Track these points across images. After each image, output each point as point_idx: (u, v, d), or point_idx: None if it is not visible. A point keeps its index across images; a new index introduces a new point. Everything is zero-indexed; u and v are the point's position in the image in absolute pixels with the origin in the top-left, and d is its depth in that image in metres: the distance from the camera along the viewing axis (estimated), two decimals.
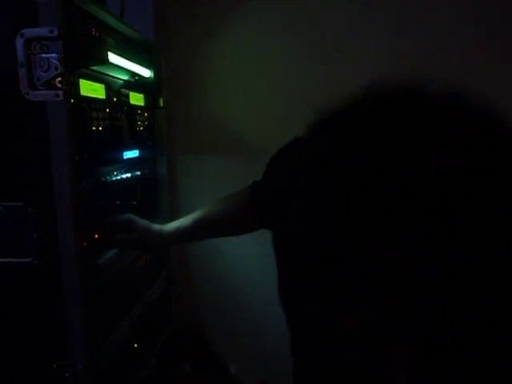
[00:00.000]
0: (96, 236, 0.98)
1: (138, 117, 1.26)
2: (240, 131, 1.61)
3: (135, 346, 1.17)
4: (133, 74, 1.20)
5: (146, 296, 1.27)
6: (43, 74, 0.77)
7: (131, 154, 1.17)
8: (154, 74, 1.36)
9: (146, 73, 1.29)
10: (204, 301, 1.72)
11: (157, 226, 1.04)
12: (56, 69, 0.76)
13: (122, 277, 1.11)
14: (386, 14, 1.42)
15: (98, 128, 0.97)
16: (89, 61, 0.89)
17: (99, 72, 1.01)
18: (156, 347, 1.35)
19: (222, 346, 1.70)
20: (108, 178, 1.03)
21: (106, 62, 0.90)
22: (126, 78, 1.17)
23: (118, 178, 1.08)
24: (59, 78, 0.77)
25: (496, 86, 1.47)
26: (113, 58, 0.99)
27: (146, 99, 1.34)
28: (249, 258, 1.09)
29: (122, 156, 1.12)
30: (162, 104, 1.42)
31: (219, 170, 1.66)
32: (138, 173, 1.22)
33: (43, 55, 0.77)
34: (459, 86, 0.42)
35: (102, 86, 1.02)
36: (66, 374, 0.85)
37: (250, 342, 1.61)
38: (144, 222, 1.03)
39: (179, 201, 1.67)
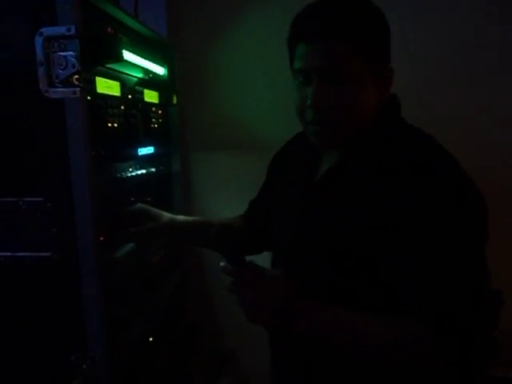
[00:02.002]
0: (113, 231, 1.00)
1: (152, 114, 1.28)
2: (252, 128, 1.62)
3: (150, 339, 1.18)
4: (147, 71, 1.22)
5: (161, 290, 1.29)
6: (61, 71, 0.79)
7: (146, 150, 1.19)
8: (168, 71, 1.38)
9: (159, 70, 1.31)
10: (217, 295, 1.73)
11: (168, 215, 1.07)
12: (73, 66, 0.78)
13: (138, 271, 1.13)
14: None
15: (113, 125, 0.99)
16: (104, 58, 0.90)
17: (114, 70, 1.03)
18: (171, 341, 1.37)
19: (236, 339, 1.71)
20: (123, 174, 1.05)
21: (121, 59, 0.91)
22: (140, 75, 1.19)
23: (134, 174, 1.10)
24: (76, 76, 0.79)
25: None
26: (128, 55, 1.01)
27: (160, 96, 1.36)
28: (263, 253, 1.11)
29: (137, 152, 1.13)
30: (175, 101, 1.44)
31: (232, 167, 1.67)
32: (153, 169, 1.24)
33: (61, 53, 0.79)
34: None
35: (118, 83, 1.04)
36: (84, 366, 0.87)
37: (264, 336, 1.62)
38: (156, 210, 1.06)
39: (193, 197, 1.69)
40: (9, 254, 0.86)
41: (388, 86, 0.81)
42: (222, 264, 0.77)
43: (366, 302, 0.75)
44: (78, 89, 0.79)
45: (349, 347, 0.75)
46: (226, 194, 1.67)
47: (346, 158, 0.82)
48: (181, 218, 1.10)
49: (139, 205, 1.06)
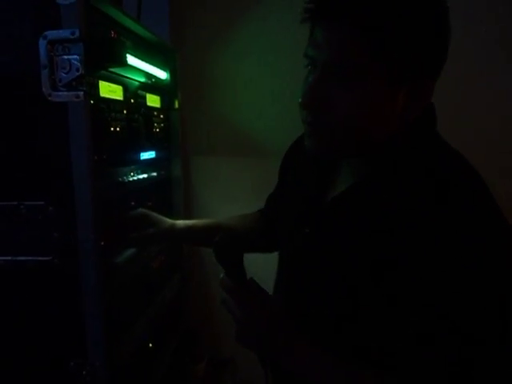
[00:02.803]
0: (114, 235, 0.99)
1: (154, 118, 1.28)
2: (254, 133, 1.62)
3: (150, 345, 1.17)
4: (149, 75, 1.22)
5: (161, 296, 1.28)
6: (65, 75, 0.78)
7: (148, 154, 1.19)
8: (170, 76, 1.38)
9: (162, 75, 1.30)
10: (217, 302, 1.72)
11: (169, 220, 1.06)
12: (77, 70, 0.78)
13: (138, 276, 1.12)
14: None
15: (116, 129, 0.98)
16: (108, 62, 0.90)
17: (117, 74, 1.03)
18: (171, 346, 1.36)
19: (236, 346, 1.70)
20: (125, 178, 1.05)
21: (124, 63, 0.91)
22: (143, 79, 1.18)
23: (135, 178, 1.09)
24: (80, 80, 0.78)
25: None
26: (131, 60, 1.01)
27: (162, 101, 1.35)
28: (263, 259, 1.09)
29: (139, 157, 1.13)
30: (177, 106, 1.44)
31: (233, 172, 1.67)
32: (154, 174, 1.23)
33: (65, 57, 0.78)
34: None
35: (120, 87, 1.03)
36: (84, 372, 0.86)
37: None
38: (157, 215, 1.05)
39: (193, 201, 1.68)
40: (9, 257, 0.86)
41: (416, 107, 0.65)
42: (221, 276, 0.74)
43: (358, 335, 0.67)
44: (82, 92, 0.79)
45: None
46: (226, 198, 1.67)
47: (371, 175, 0.70)
48: (182, 223, 1.09)
49: (140, 210, 1.05)
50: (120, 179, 1.03)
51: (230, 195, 1.67)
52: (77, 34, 0.77)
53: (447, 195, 0.61)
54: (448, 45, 0.64)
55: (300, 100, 0.67)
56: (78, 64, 0.78)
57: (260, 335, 0.70)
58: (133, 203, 1.14)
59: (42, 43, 0.78)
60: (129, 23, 1.06)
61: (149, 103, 1.24)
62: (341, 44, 0.61)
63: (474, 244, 0.58)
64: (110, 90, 0.97)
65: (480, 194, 0.63)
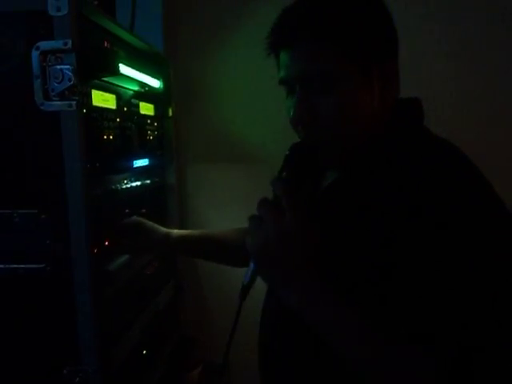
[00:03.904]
0: (106, 243, 1.00)
1: (147, 126, 1.29)
2: (248, 141, 1.63)
3: (144, 352, 1.18)
4: (143, 84, 1.23)
5: (155, 303, 1.29)
6: (57, 85, 0.79)
7: (141, 162, 1.20)
8: (164, 84, 1.39)
9: (155, 83, 1.32)
10: (212, 308, 1.72)
11: (164, 229, 1.06)
12: (69, 80, 0.79)
13: (132, 283, 1.13)
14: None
15: (109, 137, 0.99)
16: (101, 72, 0.91)
17: (110, 83, 1.04)
18: (164, 354, 1.36)
19: (231, 352, 1.70)
20: (118, 186, 1.06)
21: (117, 73, 0.93)
22: (136, 88, 1.20)
23: (128, 186, 1.10)
24: (72, 89, 0.80)
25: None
26: (124, 69, 1.02)
27: (156, 109, 1.37)
28: None
29: (132, 164, 1.14)
30: (170, 114, 1.45)
31: (227, 179, 1.68)
32: (148, 181, 1.24)
33: (57, 67, 0.79)
34: None
35: (113, 96, 1.04)
36: (77, 379, 0.87)
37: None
38: (151, 224, 1.05)
39: (188, 209, 1.69)
40: (2, 265, 0.86)
41: (391, 85, 0.69)
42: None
43: None
44: (74, 102, 0.80)
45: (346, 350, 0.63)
46: (221, 206, 1.67)
47: (350, 172, 0.73)
48: (176, 232, 1.10)
49: (134, 218, 1.06)
50: (113, 187, 1.04)
51: (224, 203, 1.68)
52: (69, 44, 0.78)
53: (433, 172, 0.63)
54: (392, 25, 0.70)
55: (290, 120, 0.71)
56: (71, 74, 0.79)
57: (287, 260, 0.63)
58: (127, 211, 1.15)
59: (35, 54, 0.79)
60: (122, 33, 1.07)
61: (142, 111, 1.25)
62: (307, 58, 0.66)
63: (464, 215, 0.59)
64: (102, 99, 0.98)
65: (465, 169, 0.65)
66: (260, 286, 0.83)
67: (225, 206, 1.65)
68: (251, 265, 0.69)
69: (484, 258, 0.58)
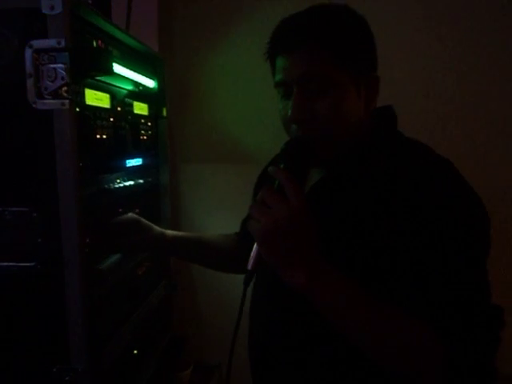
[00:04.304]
0: (98, 242, 1.00)
1: (141, 126, 1.29)
2: (242, 141, 1.63)
3: (135, 351, 1.18)
4: (137, 84, 1.23)
5: (147, 303, 1.29)
6: (50, 83, 0.80)
7: (134, 162, 1.20)
8: (158, 84, 1.39)
9: (150, 83, 1.32)
10: (204, 308, 1.72)
11: (159, 229, 1.07)
12: (62, 79, 0.79)
13: (123, 283, 1.13)
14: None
15: (102, 136, 0.99)
16: (94, 71, 0.91)
17: (104, 82, 1.04)
18: (155, 354, 1.36)
19: (222, 353, 1.70)
20: (111, 185, 1.05)
21: (110, 72, 0.93)
22: (130, 88, 1.20)
23: (121, 185, 1.10)
24: (65, 88, 0.80)
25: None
26: (118, 68, 1.02)
27: (150, 109, 1.37)
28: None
29: (125, 164, 1.14)
30: (165, 114, 1.45)
31: (221, 180, 1.69)
32: (141, 181, 1.24)
33: (50, 66, 0.79)
34: None
35: (107, 95, 1.05)
36: (67, 378, 0.86)
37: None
38: (147, 223, 1.06)
39: (181, 209, 1.69)
40: None
41: (374, 95, 0.79)
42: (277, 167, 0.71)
43: None
44: (67, 101, 0.80)
45: (356, 332, 0.68)
46: (214, 205, 1.68)
47: (335, 169, 0.80)
48: (171, 233, 1.10)
49: (130, 214, 1.06)
50: (106, 186, 1.04)
51: (218, 203, 1.69)
52: (62, 43, 0.79)
53: (412, 166, 0.73)
54: (374, 42, 0.80)
55: (288, 118, 0.76)
56: (64, 73, 0.79)
57: (298, 242, 0.65)
58: (120, 210, 1.15)
59: (28, 52, 0.80)
60: (116, 33, 1.07)
61: (136, 111, 1.25)
62: (318, 63, 0.73)
63: (450, 209, 0.69)
64: (96, 98, 0.98)
65: (446, 168, 0.74)
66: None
67: (218, 205, 1.66)
68: (255, 250, 0.70)
69: (460, 236, 0.68)
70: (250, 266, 0.70)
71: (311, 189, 0.83)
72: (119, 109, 1.12)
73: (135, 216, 1.06)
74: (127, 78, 1.13)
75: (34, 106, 0.80)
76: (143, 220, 1.06)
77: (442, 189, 0.70)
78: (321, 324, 0.70)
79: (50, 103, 0.80)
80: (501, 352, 0.68)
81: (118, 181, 1.09)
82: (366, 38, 0.78)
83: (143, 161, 1.27)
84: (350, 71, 0.74)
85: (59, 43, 0.79)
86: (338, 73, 0.73)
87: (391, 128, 0.83)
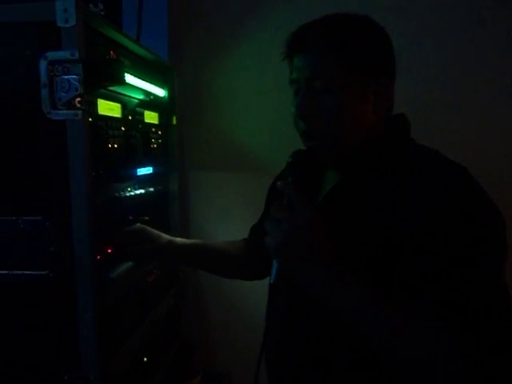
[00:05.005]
0: (109, 250, 1.01)
1: (151, 134, 1.30)
2: (251, 149, 1.64)
3: (145, 359, 1.18)
4: (148, 93, 1.24)
5: (156, 310, 1.29)
6: (64, 94, 0.81)
7: (145, 170, 1.21)
8: (168, 93, 1.41)
9: (160, 92, 1.33)
10: (213, 316, 1.72)
11: (167, 237, 1.08)
12: (76, 90, 0.80)
13: (133, 291, 1.13)
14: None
15: (113, 145, 1.00)
16: (107, 82, 0.92)
17: (116, 92, 1.05)
18: (165, 361, 1.36)
19: (231, 361, 1.70)
20: (122, 193, 1.07)
21: (123, 83, 0.94)
22: (141, 97, 1.21)
23: (132, 193, 1.11)
24: (78, 99, 0.81)
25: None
26: (129, 78, 1.04)
27: (160, 117, 1.38)
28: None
29: (136, 172, 1.15)
30: (175, 122, 1.46)
31: (230, 187, 1.69)
32: (151, 189, 1.25)
33: (64, 77, 0.81)
34: None
35: (119, 105, 1.06)
36: None
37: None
38: (155, 231, 1.07)
39: (191, 216, 1.70)
40: (6, 271, 0.87)
41: (383, 101, 0.80)
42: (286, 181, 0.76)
43: None
44: (80, 111, 0.81)
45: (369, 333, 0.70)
46: (223, 213, 1.68)
47: (349, 175, 0.82)
48: (179, 240, 1.11)
49: (138, 225, 1.07)
50: (117, 194, 1.05)
51: (227, 210, 1.69)
52: (76, 55, 0.80)
53: (425, 173, 0.73)
54: (392, 53, 0.82)
55: (295, 112, 0.81)
56: (77, 84, 0.81)
57: (309, 251, 0.69)
58: (130, 218, 1.16)
59: (43, 63, 0.81)
60: (127, 43, 1.09)
61: (147, 120, 1.26)
62: (316, 62, 0.78)
63: (465, 216, 0.69)
64: (108, 108, 1.00)
65: (454, 168, 0.75)
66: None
67: (227, 212, 1.66)
68: (274, 264, 0.74)
69: (474, 246, 0.67)
70: (272, 280, 0.74)
71: (327, 194, 0.84)
72: (130, 118, 1.14)
73: (142, 226, 1.07)
74: (138, 88, 1.15)
75: (48, 116, 0.82)
76: (150, 229, 1.07)
77: (457, 195, 0.70)
78: (339, 328, 0.73)
79: (63, 113, 0.82)
80: None
81: (129, 189, 1.10)
82: (377, 44, 0.80)
83: (153, 169, 1.28)
84: (356, 74, 0.77)
85: (73, 55, 0.80)
86: (343, 74, 0.77)
87: (404, 135, 0.84)
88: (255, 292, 1.66)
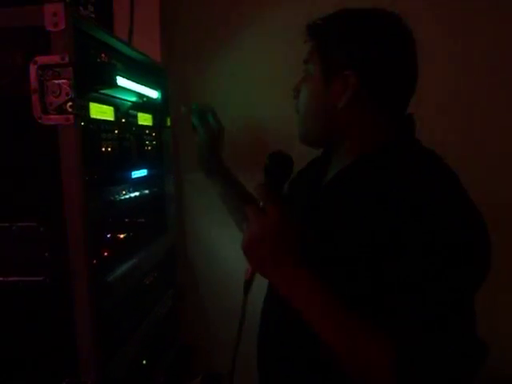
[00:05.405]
0: (106, 254, 1.01)
1: (146, 136, 1.30)
2: (247, 150, 1.63)
3: (144, 362, 1.18)
4: (141, 95, 1.24)
5: (154, 313, 1.29)
6: (55, 99, 0.80)
7: (139, 173, 1.20)
8: (162, 94, 1.40)
9: (153, 94, 1.33)
10: (212, 318, 1.72)
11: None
12: (67, 94, 0.80)
13: (131, 294, 1.13)
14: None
15: (107, 149, 1.00)
16: (98, 85, 0.92)
17: (108, 95, 1.05)
18: (165, 363, 1.36)
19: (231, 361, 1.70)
20: (117, 197, 1.06)
21: (115, 86, 0.93)
22: (134, 99, 1.20)
23: (127, 196, 1.11)
24: (70, 103, 0.80)
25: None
26: (121, 81, 1.03)
27: (154, 119, 1.37)
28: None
29: (131, 175, 1.15)
30: (169, 123, 1.46)
31: None
32: (147, 191, 1.25)
33: (55, 81, 0.80)
34: None
35: (111, 108, 1.05)
36: None
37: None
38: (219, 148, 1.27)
39: (187, 218, 1.70)
40: (1, 278, 0.87)
41: (347, 95, 0.80)
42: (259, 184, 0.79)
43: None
44: (72, 115, 0.81)
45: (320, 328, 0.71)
46: (219, 214, 1.67)
47: (345, 171, 0.85)
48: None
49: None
50: (112, 198, 1.04)
51: (223, 212, 1.68)
52: (66, 59, 0.80)
53: (421, 175, 0.73)
54: (393, 55, 0.81)
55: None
56: (68, 88, 0.80)
57: (275, 251, 0.73)
58: (126, 220, 1.15)
59: (33, 68, 0.81)
60: (119, 45, 1.08)
61: (140, 122, 1.26)
62: (309, 53, 0.87)
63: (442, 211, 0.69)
64: (100, 111, 0.99)
65: (448, 177, 0.75)
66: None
67: (223, 214, 1.65)
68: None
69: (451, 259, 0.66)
70: (246, 276, 0.79)
71: (328, 182, 0.88)
72: (123, 121, 1.13)
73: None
74: (131, 90, 1.14)
75: (39, 121, 0.81)
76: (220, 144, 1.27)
77: (439, 204, 0.69)
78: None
79: (55, 118, 0.81)
80: (500, 354, 0.67)
81: (124, 192, 1.10)
82: (356, 36, 0.80)
83: (148, 171, 1.27)
84: (322, 64, 0.83)
85: (63, 59, 0.80)
86: (317, 63, 0.84)
87: (407, 136, 0.84)
88: (255, 292, 1.67)
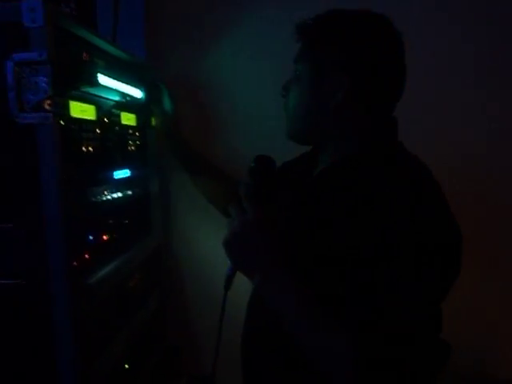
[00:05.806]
0: (87, 256, 0.99)
1: (129, 136, 1.27)
2: (231, 150, 1.62)
3: (126, 366, 1.16)
4: (124, 94, 1.22)
5: (139, 315, 1.27)
6: (32, 97, 0.78)
7: (122, 173, 1.18)
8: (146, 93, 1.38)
9: (137, 93, 1.31)
10: (199, 318, 1.70)
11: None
12: (45, 92, 0.78)
13: (114, 296, 1.11)
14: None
15: (88, 149, 0.98)
16: (79, 83, 0.90)
17: (90, 93, 1.03)
18: (149, 365, 1.34)
19: (217, 363, 1.68)
20: (98, 197, 1.04)
21: (95, 84, 0.91)
22: (117, 98, 1.18)
23: (109, 197, 1.08)
24: (48, 101, 0.78)
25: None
26: (103, 79, 1.01)
27: (138, 119, 1.35)
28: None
29: (113, 176, 1.13)
30: (153, 123, 1.44)
31: None
32: (130, 192, 1.23)
33: (32, 79, 0.78)
34: None
35: (93, 107, 1.03)
36: None
37: None
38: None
39: (171, 219, 1.68)
40: None
41: (339, 94, 0.81)
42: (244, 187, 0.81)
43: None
44: (50, 114, 0.79)
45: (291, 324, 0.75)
46: (204, 215, 1.66)
47: (326, 169, 0.87)
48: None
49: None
50: (93, 199, 1.02)
51: (208, 212, 1.67)
52: (44, 56, 0.77)
53: (400, 179, 0.75)
54: (381, 56, 0.82)
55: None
56: (46, 86, 0.78)
57: (252, 249, 0.77)
58: (110, 221, 1.13)
59: (10, 65, 0.78)
60: (101, 43, 1.06)
61: (123, 121, 1.24)
62: (299, 52, 0.88)
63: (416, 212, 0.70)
64: (81, 110, 0.97)
65: (426, 179, 0.77)
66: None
67: (208, 215, 1.64)
68: None
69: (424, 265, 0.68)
70: (227, 273, 0.83)
71: (314, 178, 0.90)
72: (106, 120, 1.11)
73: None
74: (114, 89, 1.12)
75: (16, 119, 0.79)
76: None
77: (413, 208, 0.70)
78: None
79: (32, 117, 0.79)
80: (499, 357, 0.68)
81: (106, 193, 1.08)
82: (347, 37, 0.81)
83: (132, 172, 1.25)
84: (313, 65, 0.84)
85: (41, 56, 0.78)
86: (308, 63, 0.84)
87: (391, 137, 0.85)
88: (241, 293, 1.65)
